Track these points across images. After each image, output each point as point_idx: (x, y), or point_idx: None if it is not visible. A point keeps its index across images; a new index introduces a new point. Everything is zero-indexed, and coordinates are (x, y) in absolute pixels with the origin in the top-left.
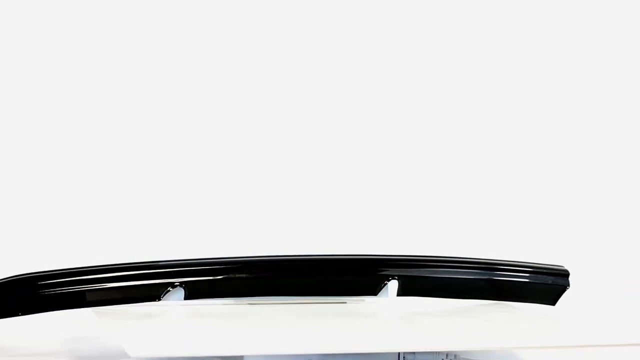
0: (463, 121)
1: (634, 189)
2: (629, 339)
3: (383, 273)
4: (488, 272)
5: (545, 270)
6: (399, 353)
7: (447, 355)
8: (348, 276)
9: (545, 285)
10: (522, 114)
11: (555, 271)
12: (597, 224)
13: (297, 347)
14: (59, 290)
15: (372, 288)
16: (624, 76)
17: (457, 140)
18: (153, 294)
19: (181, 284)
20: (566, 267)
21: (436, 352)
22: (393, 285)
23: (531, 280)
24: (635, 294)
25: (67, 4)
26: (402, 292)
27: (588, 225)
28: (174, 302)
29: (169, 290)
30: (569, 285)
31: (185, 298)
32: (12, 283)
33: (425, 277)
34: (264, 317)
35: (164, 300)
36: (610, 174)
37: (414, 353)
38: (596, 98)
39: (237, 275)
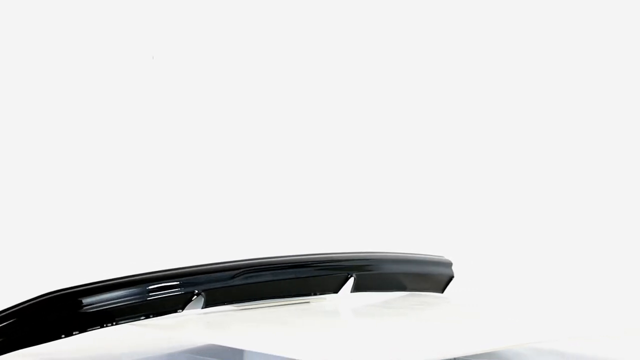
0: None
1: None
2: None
3: (344, 271)
4: (402, 265)
5: (434, 261)
6: None
7: None
8: (318, 275)
9: (437, 275)
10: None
11: (442, 262)
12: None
13: None
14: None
15: (335, 286)
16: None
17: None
18: (180, 304)
19: (200, 292)
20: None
21: None
22: (350, 282)
23: (426, 272)
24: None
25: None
26: (355, 288)
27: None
28: (195, 311)
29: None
30: (453, 275)
31: (204, 307)
32: (53, 300)
33: (374, 274)
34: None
35: (186, 310)
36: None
37: None
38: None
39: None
